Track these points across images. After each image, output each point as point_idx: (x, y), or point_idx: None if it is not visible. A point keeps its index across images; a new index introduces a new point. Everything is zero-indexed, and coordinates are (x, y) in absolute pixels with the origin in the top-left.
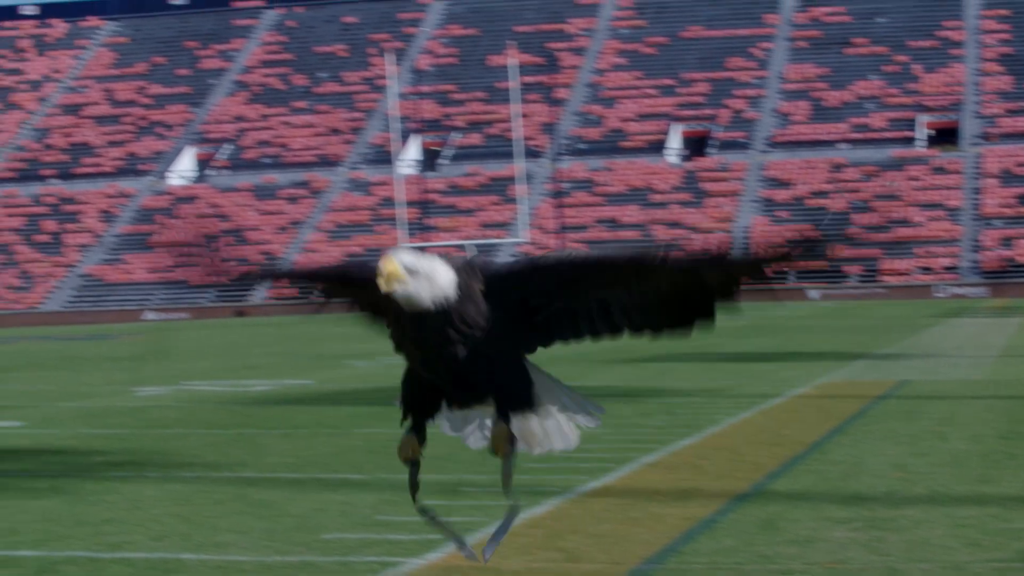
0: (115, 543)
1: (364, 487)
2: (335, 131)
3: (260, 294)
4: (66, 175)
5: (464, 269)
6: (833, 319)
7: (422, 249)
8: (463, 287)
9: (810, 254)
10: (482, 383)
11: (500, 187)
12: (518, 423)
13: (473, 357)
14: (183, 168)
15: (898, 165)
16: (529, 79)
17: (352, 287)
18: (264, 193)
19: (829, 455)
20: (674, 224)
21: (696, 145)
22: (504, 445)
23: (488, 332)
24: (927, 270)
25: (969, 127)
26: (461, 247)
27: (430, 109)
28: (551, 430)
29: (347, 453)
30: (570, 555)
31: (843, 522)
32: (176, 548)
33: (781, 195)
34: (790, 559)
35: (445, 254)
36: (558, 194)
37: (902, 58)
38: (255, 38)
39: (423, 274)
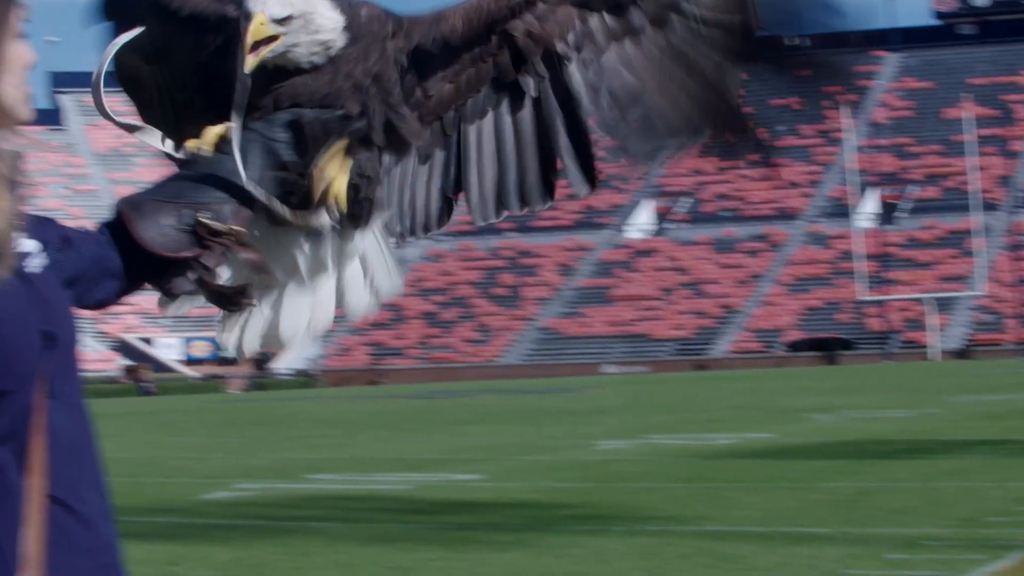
0: None
1: (829, 541)
2: (793, 184)
3: (721, 347)
4: (524, 228)
5: (363, 8)
6: None
7: None
8: (357, 30)
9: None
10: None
11: (957, 240)
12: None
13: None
14: (641, 221)
15: None
16: (985, 132)
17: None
18: (723, 246)
19: None
20: None
21: None
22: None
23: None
24: None
25: None
26: (919, 300)
27: (887, 162)
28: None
29: (811, 507)
30: None
31: None
32: None
33: None
34: None
35: None
36: (1015, 247)
37: None
38: None
39: (297, 18)
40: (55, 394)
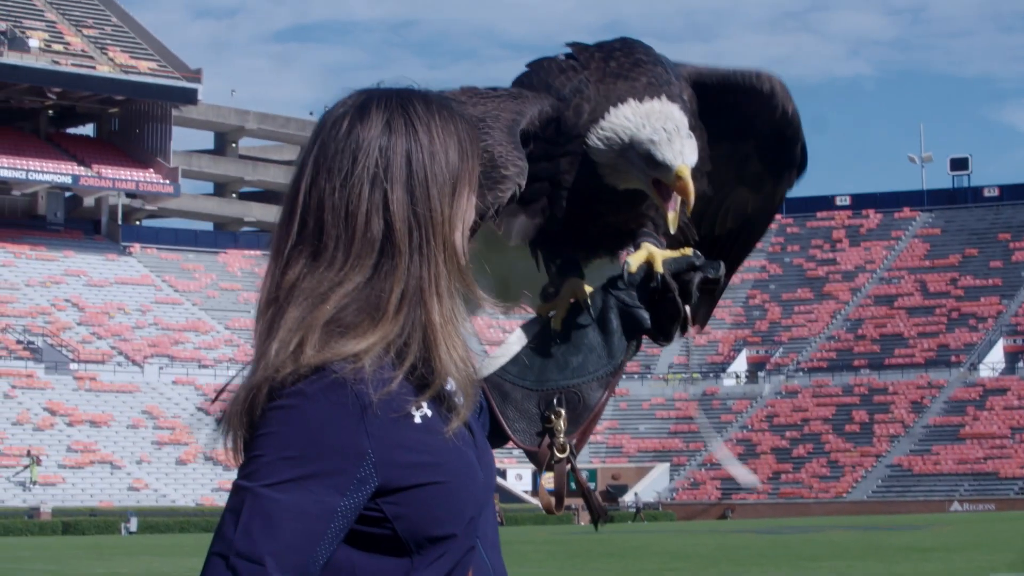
0: None
1: None
2: None
3: None
4: (877, 365)
5: (674, 86)
6: None
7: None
8: (690, 118)
9: None
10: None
11: None
12: None
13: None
14: (994, 360)
15: None
16: None
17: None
18: None
19: None
20: None
21: None
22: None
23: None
24: None
25: None
26: None
27: None
28: None
29: None
30: None
31: None
32: None
33: None
34: None
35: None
36: None
37: None
38: None
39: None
40: (480, 533)
